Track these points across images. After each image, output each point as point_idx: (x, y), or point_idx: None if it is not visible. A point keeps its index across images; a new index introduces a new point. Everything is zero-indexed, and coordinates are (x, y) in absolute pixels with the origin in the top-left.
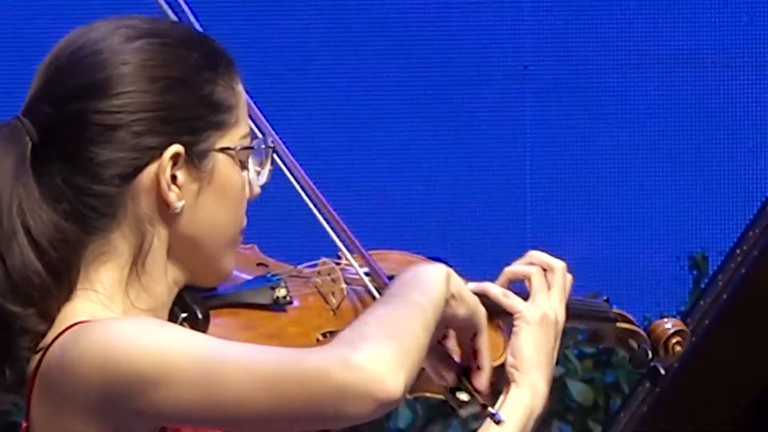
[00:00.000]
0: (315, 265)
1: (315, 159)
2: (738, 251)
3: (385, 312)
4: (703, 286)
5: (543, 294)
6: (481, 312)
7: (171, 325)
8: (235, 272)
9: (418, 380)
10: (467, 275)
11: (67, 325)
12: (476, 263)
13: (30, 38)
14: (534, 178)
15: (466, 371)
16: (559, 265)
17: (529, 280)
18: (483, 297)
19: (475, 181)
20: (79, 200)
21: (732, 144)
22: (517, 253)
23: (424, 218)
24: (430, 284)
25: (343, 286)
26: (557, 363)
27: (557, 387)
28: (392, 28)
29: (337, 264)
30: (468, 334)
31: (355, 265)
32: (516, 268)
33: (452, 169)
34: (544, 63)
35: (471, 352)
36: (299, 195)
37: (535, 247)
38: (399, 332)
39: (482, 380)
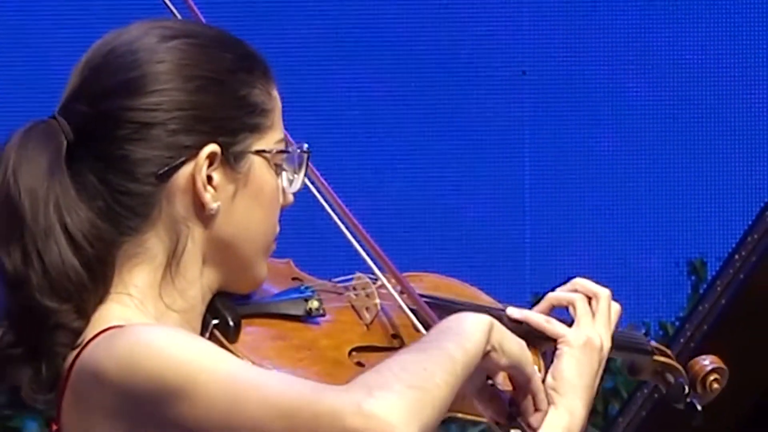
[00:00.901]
0: (350, 280)
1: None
2: (736, 257)
3: (412, 359)
4: (701, 291)
5: (587, 319)
6: (528, 360)
7: (202, 340)
8: (268, 286)
9: (456, 401)
10: (466, 278)
11: (102, 328)
12: (474, 266)
13: (31, 40)
14: (532, 183)
15: (513, 403)
16: (603, 292)
17: (573, 306)
18: (525, 324)
19: (474, 186)
20: (113, 198)
21: (730, 150)
22: (516, 259)
23: (422, 222)
24: (467, 335)
25: (377, 301)
26: None
27: None
28: (390, 34)
29: (373, 280)
30: (517, 378)
31: (387, 284)
32: (559, 294)
33: (451, 173)
34: (543, 69)
35: (523, 391)
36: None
37: (533, 254)
38: (420, 382)
39: (537, 419)
